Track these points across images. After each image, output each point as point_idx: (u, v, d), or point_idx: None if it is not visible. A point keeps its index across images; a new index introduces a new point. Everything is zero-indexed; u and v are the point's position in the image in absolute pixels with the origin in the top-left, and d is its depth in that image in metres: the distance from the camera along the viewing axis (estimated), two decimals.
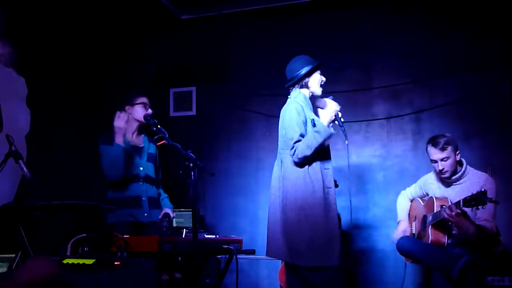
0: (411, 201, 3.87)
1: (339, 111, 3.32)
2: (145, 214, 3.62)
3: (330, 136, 3.21)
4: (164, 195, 3.89)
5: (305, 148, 3.13)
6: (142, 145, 3.76)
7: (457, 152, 3.48)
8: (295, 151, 3.15)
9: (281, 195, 3.24)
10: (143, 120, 3.62)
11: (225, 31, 5.50)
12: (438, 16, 4.90)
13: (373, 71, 5.12)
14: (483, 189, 3.02)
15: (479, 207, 3.05)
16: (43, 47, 4.05)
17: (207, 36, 5.54)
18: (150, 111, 3.66)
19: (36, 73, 3.95)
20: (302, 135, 3.19)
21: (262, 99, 5.09)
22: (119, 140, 3.48)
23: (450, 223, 3.31)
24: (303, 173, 3.19)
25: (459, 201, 3.15)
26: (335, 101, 3.35)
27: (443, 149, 3.46)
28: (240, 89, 5.43)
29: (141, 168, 3.68)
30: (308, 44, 5.11)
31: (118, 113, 3.52)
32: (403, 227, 3.77)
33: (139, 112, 3.65)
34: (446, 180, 3.54)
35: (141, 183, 3.66)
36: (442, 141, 3.47)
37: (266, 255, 3.33)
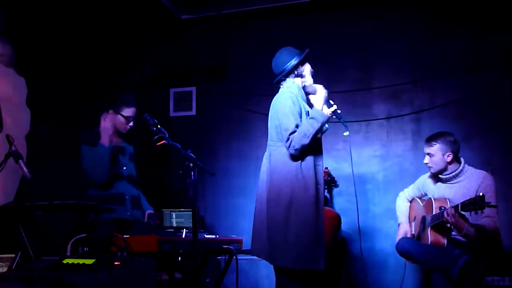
0: (411, 201, 3.87)
1: (336, 104, 3.22)
2: (128, 213, 3.63)
3: (326, 121, 3.07)
4: (142, 197, 3.88)
5: (302, 137, 2.96)
6: (123, 145, 3.77)
7: (448, 153, 3.47)
8: (291, 142, 2.98)
9: (268, 190, 3.06)
10: (122, 131, 3.67)
11: (225, 31, 5.50)
12: (438, 16, 4.89)
13: (373, 71, 5.11)
14: (481, 194, 3.01)
15: (478, 211, 3.06)
16: (43, 47, 4.04)
17: (207, 36, 5.53)
18: (131, 124, 3.67)
19: (36, 73, 3.95)
20: (297, 126, 3.01)
21: (261, 99, 5.08)
22: (104, 141, 3.50)
23: (449, 225, 3.31)
24: (295, 167, 3.01)
25: (458, 205, 3.15)
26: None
27: (430, 145, 3.54)
28: (239, 89, 5.43)
29: (124, 168, 3.69)
30: (308, 44, 5.07)
31: (104, 114, 3.55)
32: (404, 230, 3.76)
33: (119, 122, 3.65)
34: (436, 176, 3.59)
35: (125, 181, 3.67)
36: (434, 138, 3.54)
37: (250, 253, 3.17)
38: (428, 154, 3.56)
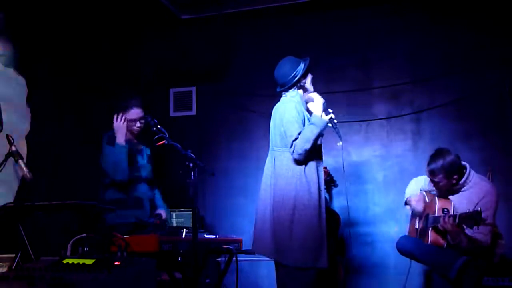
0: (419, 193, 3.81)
1: (332, 112, 3.31)
2: (148, 216, 3.68)
3: (325, 127, 3.22)
4: (157, 196, 3.90)
5: (304, 142, 3.11)
6: (141, 147, 3.80)
7: (454, 177, 3.36)
8: (294, 147, 3.13)
9: (272, 193, 3.21)
10: (133, 132, 3.69)
11: (225, 31, 5.50)
12: (438, 16, 4.89)
13: (373, 71, 5.11)
14: (479, 209, 3.02)
15: (474, 227, 3.07)
16: (43, 47, 4.04)
17: (207, 36, 5.53)
18: (138, 125, 3.69)
19: (36, 73, 3.95)
20: (300, 133, 3.18)
21: (262, 99, 5.09)
22: (120, 140, 3.53)
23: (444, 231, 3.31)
24: (299, 172, 3.17)
25: (456, 215, 3.16)
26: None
27: (434, 175, 3.38)
28: (240, 89, 5.43)
29: (143, 170, 3.71)
30: (308, 44, 5.11)
31: (115, 114, 3.59)
32: (415, 199, 3.64)
33: (128, 124, 3.67)
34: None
35: (144, 184, 3.69)
36: (436, 167, 3.36)
37: (253, 252, 3.30)
38: (432, 181, 3.43)
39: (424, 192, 3.75)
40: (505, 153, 4.58)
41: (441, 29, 4.88)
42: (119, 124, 3.58)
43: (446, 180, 3.38)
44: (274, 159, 3.28)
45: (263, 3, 5.20)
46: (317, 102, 3.30)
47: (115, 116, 3.59)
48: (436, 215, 3.44)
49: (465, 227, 3.24)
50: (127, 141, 3.62)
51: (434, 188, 3.71)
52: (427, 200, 3.66)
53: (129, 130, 3.70)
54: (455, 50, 4.82)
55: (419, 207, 3.61)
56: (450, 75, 4.82)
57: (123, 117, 3.60)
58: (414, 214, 3.74)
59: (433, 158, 3.43)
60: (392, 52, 5.03)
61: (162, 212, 3.83)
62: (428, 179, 3.76)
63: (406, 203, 3.81)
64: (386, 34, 5.05)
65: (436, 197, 3.52)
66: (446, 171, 3.34)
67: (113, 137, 3.57)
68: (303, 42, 5.16)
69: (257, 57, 5.26)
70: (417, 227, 3.71)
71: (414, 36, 4.96)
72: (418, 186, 3.81)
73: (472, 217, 3.04)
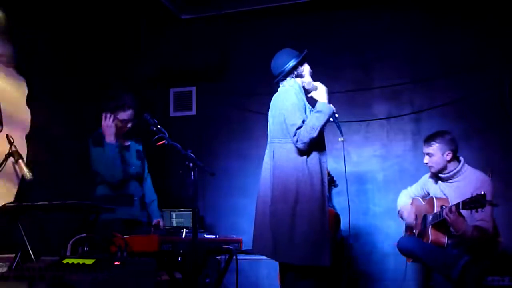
0: (412, 200, 3.86)
1: (336, 105, 3.27)
2: (137, 214, 3.64)
3: (332, 114, 3.12)
4: (153, 197, 3.84)
5: (310, 130, 2.97)
6: (128, 144, 3.77)
7: (447, 152, 3.48)
8: (298, 136, 2.98)
9: (272, 186, 3.06)
10: (122, 131, 3.66)
11: (225, 31, 5.50)
12: (438, 16, 4.89)
13: (373, 71, 5.11)
14: (482, 192, 3.02)
15: (478, 209, 3.06)
16: (44, 47, 4.04)
17: (207, 36, 5.54)
18: (129, 126, 3.65)
19: (36, 73, 3.95)
20: (303, 121, 3.03)
21: (261, 99, 5.07)
22: (110, 138, 3.51)
23: (448, 224, 3.31)
24: (301, 163, 3.02)
25: (459, 203, 3.15)
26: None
27: (429, 145, 3.54)
28: (240, 89, 5.43)
29: (133, 167, 3.69)
30: (307, 44, 5.08)
31: (104, 114, 3.56)
32: (407, 211, 3.72)
33: (117, 124, 3.64)
34: (436, 175, 3.59)
35: (135, 182, 3.67)
36: (433, 137, 3.55)
37: (252, 250, 3.16)
38: (428, 154, 3.56)
39: (419, 198, 3.77)
40: (505, 153, 4.59)
41: (441, 29, 4.88)
42: (108, 123, 3.53)
43: (440, 154, 3.50)
44: (273, 151, 3.13)
45: (263, 3, 5.20)
46: (320, 89, 3.21)
47: (104, 116, 3.55)
48: (434, 212, 3.45)
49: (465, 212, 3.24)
50: (116, 138, 3.59)
51: (426, 193, 3.74)
52: (422, 203, 3.68)
53: (118, 129, 3.65)
54: (455, 50, 4.82)
55: (410, 219, 3.70)
56: (450, 75, 4.82)
57: (112, 117, 3.58)
58: (407, 227, 3.80)
59: (434, 133, 3.63)
60: (392, 52, 5.03)
61: (160, 220, 3.79)
62: (419, 185, 3.81)
63: (399, 215, 3.86)
64: (386, 34, 5.05)
65: (434, 197, 3.53)
66: (441, 142, 3.50)
67: (99, 138, 3.54)
68: (303, 42, 5.13)
69: (257, 57, 5.24)
70: (414, 230, 3.72)
71: (414, 36, 4.96)
72: (408, 198, 3.86)
73: (477, 200, 3.01)
